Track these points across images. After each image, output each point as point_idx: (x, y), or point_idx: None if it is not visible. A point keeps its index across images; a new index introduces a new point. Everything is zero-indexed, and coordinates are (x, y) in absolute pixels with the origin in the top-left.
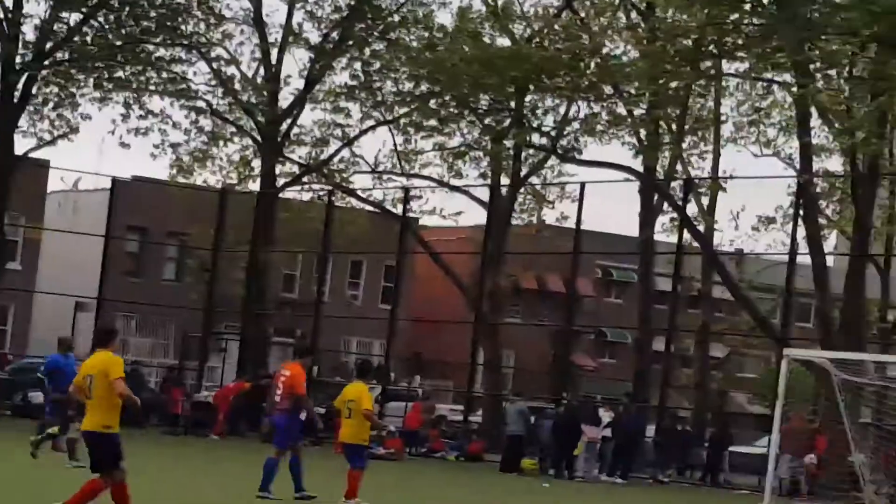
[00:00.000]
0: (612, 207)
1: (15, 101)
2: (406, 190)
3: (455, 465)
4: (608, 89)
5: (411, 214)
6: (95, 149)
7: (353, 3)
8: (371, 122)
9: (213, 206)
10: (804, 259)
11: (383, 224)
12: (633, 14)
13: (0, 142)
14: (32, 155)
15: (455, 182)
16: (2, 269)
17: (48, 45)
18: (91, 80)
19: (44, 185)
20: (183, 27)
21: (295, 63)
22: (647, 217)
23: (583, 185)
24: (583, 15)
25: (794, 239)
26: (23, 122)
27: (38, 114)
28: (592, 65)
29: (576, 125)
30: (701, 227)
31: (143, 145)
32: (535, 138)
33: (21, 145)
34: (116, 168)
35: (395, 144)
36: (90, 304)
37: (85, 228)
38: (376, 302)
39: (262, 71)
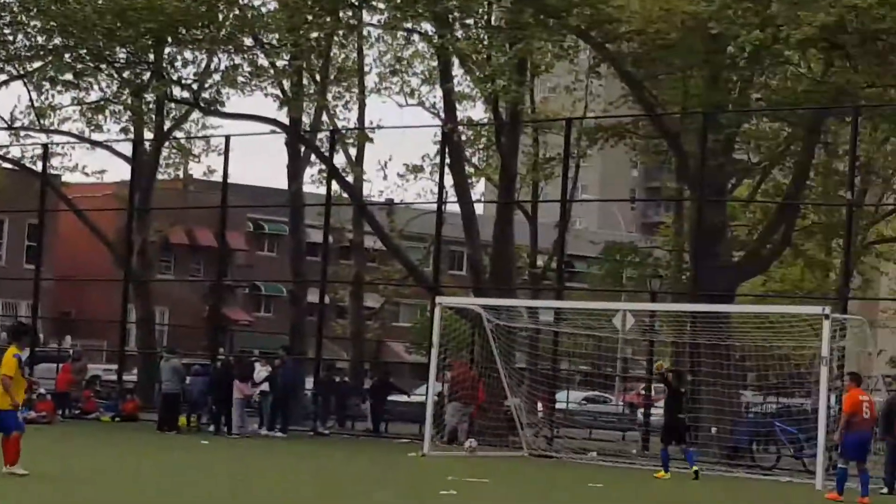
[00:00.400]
0: (259, 160)
1: None
2: (45, 146)
3: (110, 426)
4: (248, 41)
5: (53, 171)
6: None
7: None
8: (3, 77)
9: None
10: (453, 207)
11: (24, 181)
12: None
13: None
14: None
15: (97, 137)
16: None
17: None
18: None
19: None
20: None
21: None
22: (296, 169)
23: (228, 137)
24: None
25: (441, 187)
26: None
27: None
28: (231, 16)
29: (217, 77)
30: (350, 178)
31: None
32: (177, 91)
33: None
34: None
35: (31, 100)
36: None
37: None
38: (20, 262)
39: None
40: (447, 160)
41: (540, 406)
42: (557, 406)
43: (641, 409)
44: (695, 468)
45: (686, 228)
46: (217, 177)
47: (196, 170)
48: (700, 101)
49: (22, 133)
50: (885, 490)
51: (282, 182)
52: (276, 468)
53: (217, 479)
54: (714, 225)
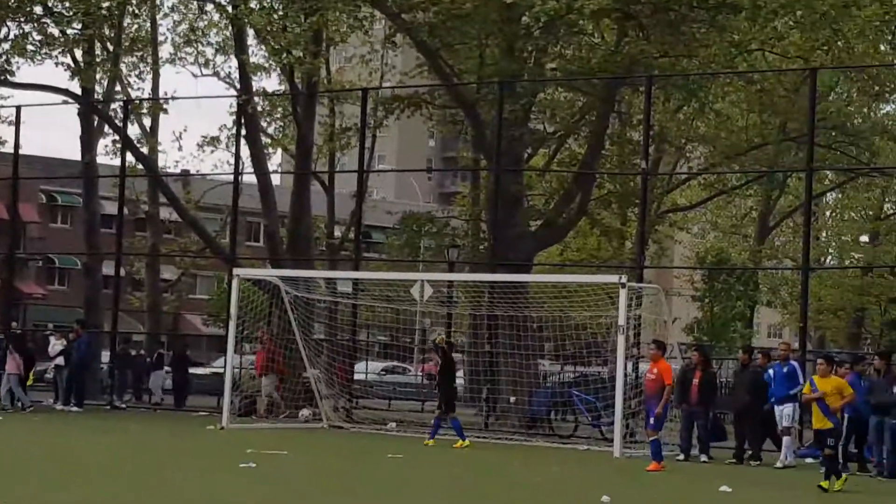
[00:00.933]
0: (51, 131)
1: None
2: None
3: None
4: (38, 9)
5: None
6: None
7: None
8: None
9: None
10: (250, 178)
11: None
12: None
13: None
14: None
15: None
16: None
17: None
18: None
19: None
20: None
21: None
22: (88, 140)
23: (18, 108)
24: None
25: (238, 158)
26: None
27: None
28: None
29: (6, 46)
30: (144, 149)
31: None
32: None
33: None
34: None
35: None
36: None
37: None
38: None
39: None
40: (243, 131)
41: (338, 376)
42: (356, 377)
43: None
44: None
45: (483, 198)
46: (7, 148)
47: None
48: (496, 71)
49: None
50: (681, 457)
51: (75, 153)
52: (71, 442)
53: (12, 454)
54: (511, 194)
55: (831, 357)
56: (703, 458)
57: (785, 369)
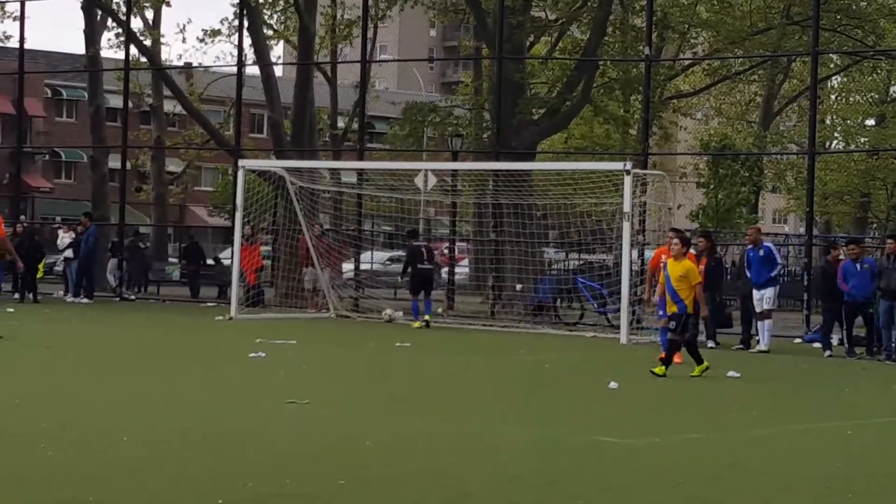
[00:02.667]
0: (55, 25)
1: None
2: None
3: None
4: None
5: None
6: None
7: None
8: None
9: None
10: (252, 70)
11: None
12: None
13: None
14: None
15: None
16: None
17: None
18: None
19: None
20: None
21: None
22: (92, 33)
23: (23, 2)
24: None
25: (240, 50)
26: None
27: None
28: None
29: None
30: (147, 42)
31: None
32: None
33: None
34: None
35: None
36: None
37: None
38: None
39: None
40: (245, 23)
41: (334, 260)
42: (362, 267)
43: (445, 269)
44: (426, 317)
45: (485, 87)
46: (13, 43)
47: None
48: None
49: None
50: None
51: (79, 47)
52: (82, 334)
53: (24, 345)
54: (513, 83)
55: (686, 238)
56: (711, 344)
57: (761, 252)
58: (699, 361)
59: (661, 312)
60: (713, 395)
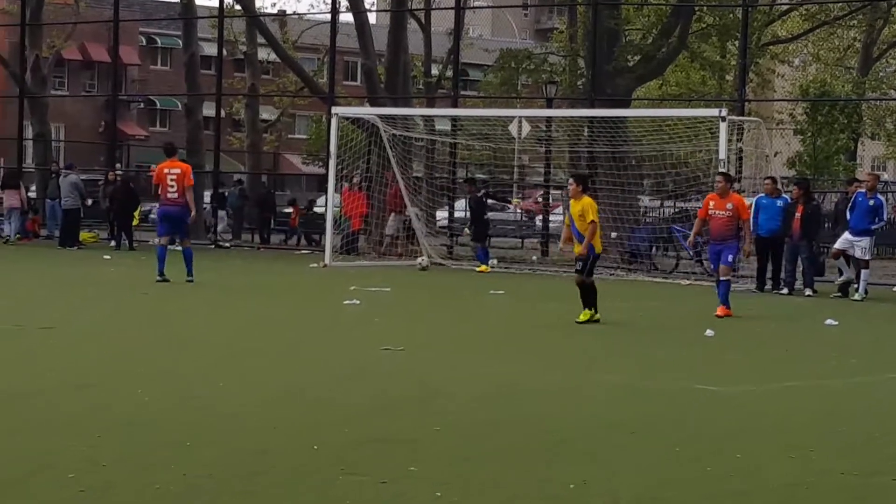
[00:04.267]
0: None
1: None
2: None
3: (18, 245)
4: None
5: None
6: None
7: None
8: None
9: None
10: (346, 17)
11: None
12: None
13: None
14: None
15: None
16: None
17: None
18: None
19: None
20: None
21: None
22: None
23: None
24: None
25: None
26: None
27: None
28: None
29: None
30: None
31: None
32: None
33: None
34: None
35: None
36: None
37: None
38: None
39: None
40: None
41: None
42: (455, 215)
43: (539, 217)
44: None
45: (580, 34)
46: None
47: None
48: None
49: None
50: (784, 291)
51: None
52: (175, 279)
53: (124, 290)
54: (608, 29)
55: (582, 175)
56: (808, 292)
57: (871, 202)
58: (592, 306)
59: (729, 259)
60: (812, 343)
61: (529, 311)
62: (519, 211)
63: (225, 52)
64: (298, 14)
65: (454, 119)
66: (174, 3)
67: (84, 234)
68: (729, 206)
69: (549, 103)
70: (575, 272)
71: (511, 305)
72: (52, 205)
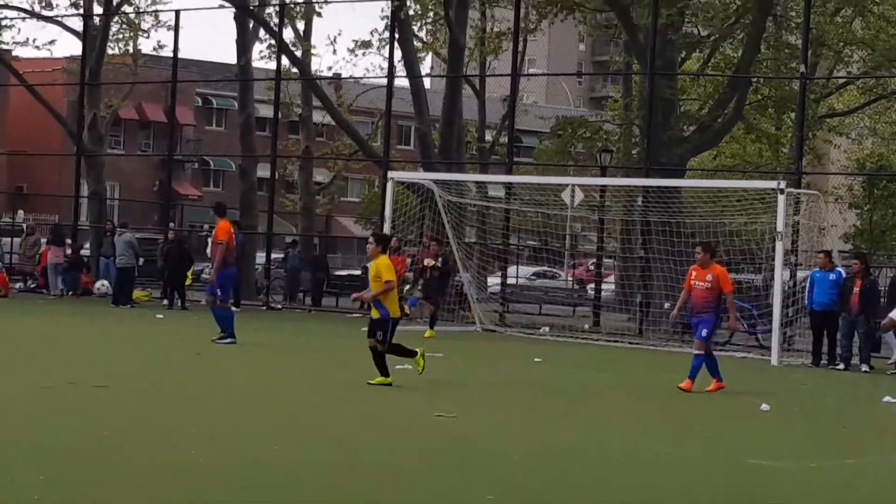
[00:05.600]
0: (208, 35)
1: None
2: None
3: (64, 300)
4: None
5: (3, 46)
6: None
7: None
8: None
9: None
10: (400, 82)
11: None
12: None
13: None
14: None
15: (46, 12)
16: None
17: None
18: None
19: None
20: None
21: None
22: (244, 43)
23: (178, 12)
24: None
25: (391, 62)
26: None
27: None
28: None
29: None
30: (298, 53)
31: None
32: None
33: None
34: None
35: None
36: None
37: None
38: None
39: None
40: (396, 35)
41: (490, 280)
42: (508, 281)
43: (591, 285)
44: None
45: (635, 102)
46: (166, 52)
47: (145, 45)
48: None
49: None
50: (841, 366)
51: (228, 57)
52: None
53: (178, 349)
54: (664, 98)
55: (382, 235)
56: (865, 367)
57: None
58: (385, 373)
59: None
60: (869, 420)
61: (582, 379)
62: (570, 279)
63: (279, 113)
64: (354, 78)
65: (508, 185)
66: (230, 64)
67: (137, 293)
68: (709, 277)
69: (604, 171)
70: (377, 341)
71: (562, 373)
72: (106, 263)
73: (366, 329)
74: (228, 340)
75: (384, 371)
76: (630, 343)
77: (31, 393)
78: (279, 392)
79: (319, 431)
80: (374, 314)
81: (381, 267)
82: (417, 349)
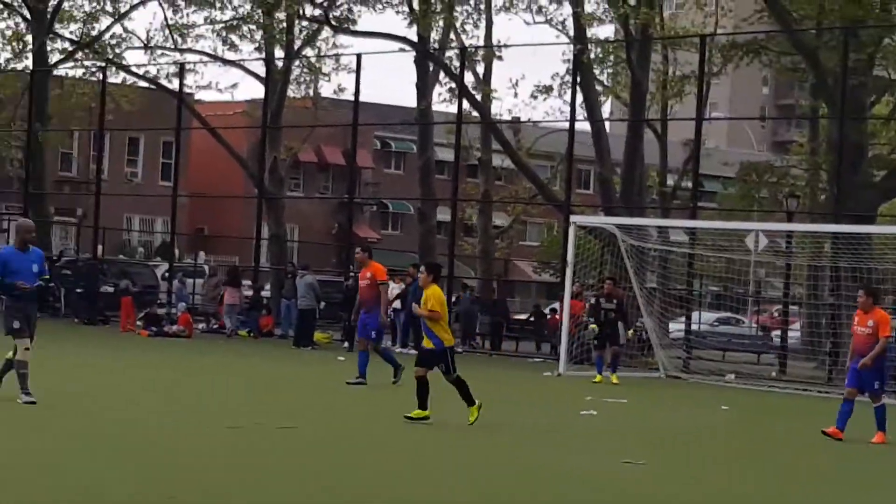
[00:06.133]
0: (386, 78)
1: None
2: (181, 65)
3: (247, 341)
4: None
5: (186, 90)
6: None
7: None
8: None
9: None
10: (580, 126)
11: (159, 100)
12: None
13: None
14: None
15: (230, 56)
16: None
17: None
18: None
19: None
20: None
21: None
22: (424, 87)
23: (359, 56)
24: None
25: (573, 106)
26: None
27: None
28: None
29: None
30: (478, 96)
31: None
32: (308, 10)
33: None
34: None
35: (165, 18)
36: None
37: None
38: (156, 179)
39: None
40: (578, 79)
41: (672, 326)
42: (692, 327)
43: (776, 332)
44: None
45: (823, 147)
46: (345, 95)
47: (325, 88)
48: (838, 16)
49: (158, 52)
50: None
51: (407, 100)
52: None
53: (364, 392)
54: (854, 143)
55: (434, 264)
56: None
57: None
58: (424, 406)
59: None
60: None
61: (771, 428)
62: (754, 325)
63: (459, 157)
64: (534, 122)
65: (692, 230)
66: (408, 107)
67: (318, 335)
68: (870, 322)
69: (790, 217)
70: (444, 373)
71: (749, 421)
72: (287, 304)
73: (549, 374)
74: (358, 381)
75: (423, 404)
76: (819, 391)
77: (218, 433)
78: (458, 440)
79: (502, 476)
80: (427, 344)
81: (431, 296)
82: (477, 401)
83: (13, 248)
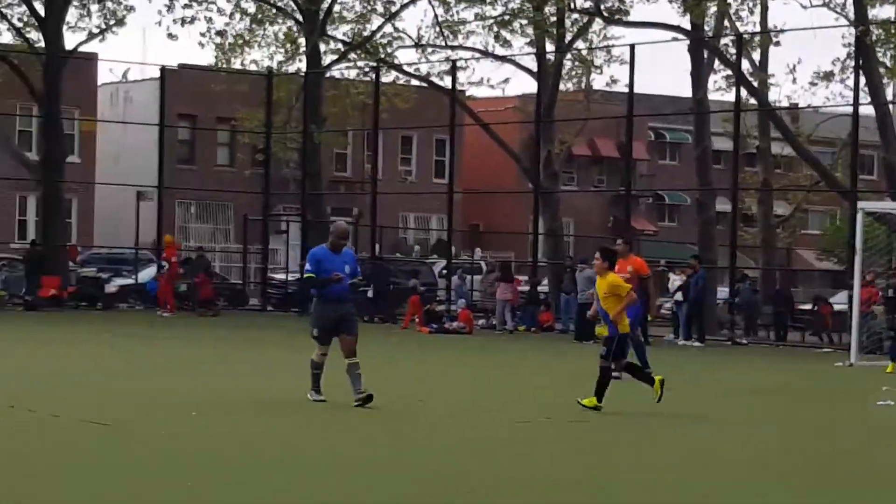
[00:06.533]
0: (657, 68)
1: None
2: (453, 62)
3: (529, 336)
4: None
5: (458, 86)
6: (141, 40)
7: None
8: None
9: (261, 90)
10: (863, 110)
11: (430, 97)
12: None
13: (49, 37)
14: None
15: (500, 51)
16: (62, 163)
17: None
18: None
19: (94, 78)
20: None
21: None
22: (698, 76)
23: (632, 46)
24: None
25: (856, 90)
26: (70, 16)
27: (84, 7)
28: None
29: None
30: (755, 83)
31: (190, 34)
32: (579, 2)
33: (69, 40)
34: (165, 60)
35: (436, 16)
36: (150, 193)
37: (135, 119)
38: (429, 176)
39: None
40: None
41: None
42: None
43: None
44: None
45: None
46: (618, 87)
47: (597, 80)
48: None
49: (428, 50)
50: None
51: (679, 90)
52: (694, 376)
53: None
54: None
55: (608, 249)
56: None
57: None
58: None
59: None
60: None
61: None
62: None
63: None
64: (814, 107)
65: None
66: (681, 97)
67: (598, 329)
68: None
69: None
70: (600, 356)
71: None
72: (566, 299)
73: (840, 364)
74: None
75: (600, 394)
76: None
77: (509, 427)
78: (744, 438)
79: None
80: (603, 331)
81: (615, 282)
82: (656, 377)
83: (326, 248)
